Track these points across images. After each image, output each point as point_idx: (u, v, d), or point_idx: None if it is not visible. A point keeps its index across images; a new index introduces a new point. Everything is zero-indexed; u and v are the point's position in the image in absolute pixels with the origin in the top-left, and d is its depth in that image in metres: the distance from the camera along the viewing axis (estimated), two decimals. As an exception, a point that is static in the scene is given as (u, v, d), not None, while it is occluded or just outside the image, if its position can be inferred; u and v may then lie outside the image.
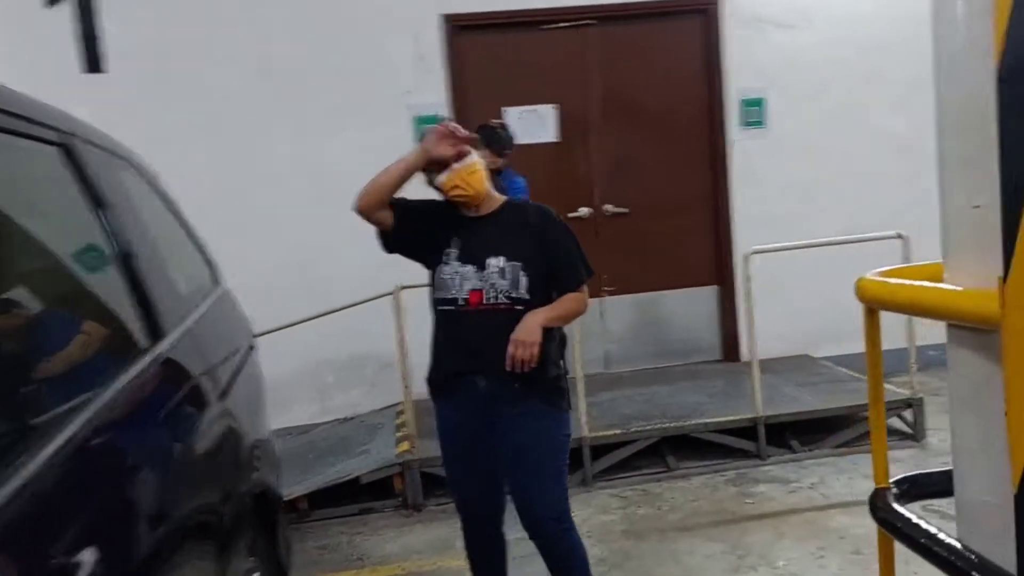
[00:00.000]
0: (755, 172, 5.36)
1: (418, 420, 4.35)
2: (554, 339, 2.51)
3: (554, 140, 5.28)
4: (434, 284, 2.53)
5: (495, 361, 2.40)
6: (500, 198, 2.57)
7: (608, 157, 5.35)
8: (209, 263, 2.76)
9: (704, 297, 5.55)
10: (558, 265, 2.50)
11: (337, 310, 4.11)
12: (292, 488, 3.84)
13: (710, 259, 5.49)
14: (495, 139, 3.96)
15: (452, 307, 2.48)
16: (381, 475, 3.92)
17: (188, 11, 4.86)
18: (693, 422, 4.15)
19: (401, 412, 4.39)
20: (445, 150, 2.42)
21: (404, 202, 2.54)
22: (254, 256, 4.94)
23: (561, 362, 2.57)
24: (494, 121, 4.25)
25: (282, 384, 5.05)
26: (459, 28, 5.10)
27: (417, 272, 5.04)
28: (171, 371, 1.76)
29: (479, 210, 2.52)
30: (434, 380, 2.64)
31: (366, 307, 4.62)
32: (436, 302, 2.54)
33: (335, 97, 4.99)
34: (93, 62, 4.87)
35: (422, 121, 5.09)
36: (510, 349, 2.36)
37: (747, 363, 5.31)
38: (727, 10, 5.26)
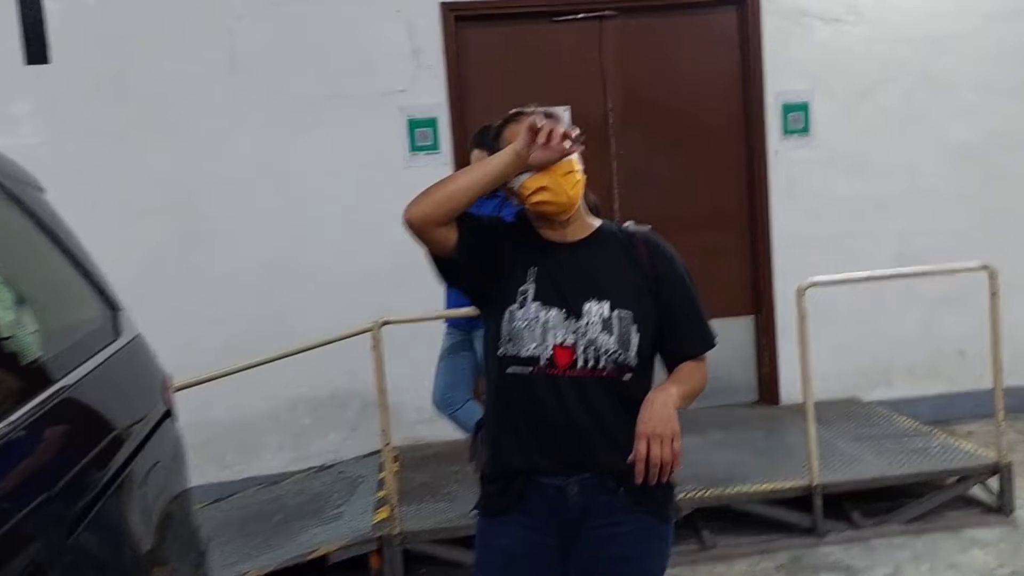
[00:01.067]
0: (798, 187, 4.67)
1: (401, 478, 3.67)
2: None
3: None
4: (499, 334, 1.75)
5: (595, 456, 1.71)
6: (595, 220, 1.84)
7: (628, 167, 4.67)
8: (111, 305, 2.07)
9: (738, 329, 4.85)
10: (679, 322, 1.78)
11: (305, 349, 3.41)
12: (244, 567, 3.15)
13: (745, 285, 4.79)
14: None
15: (529, 369, 1.71)
16: (353, 552, 3.22)
17: (144, -5, 4.21)
18: (734, 490, 3.43)
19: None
20: (548, 156, 1.68)
21: (473, 218, 1.79)
22: (213, 275, 4.29)
23: None
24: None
25: (250, 427, 4.40)
26: (460, 19, 4.43)
27: (404, 302, 4.48)
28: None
29: (568, 233, 1.79)
30: (492, 482, 1.81)
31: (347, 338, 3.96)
32: (502, 361, 1.75)
33: (313, 96, 4.32)
34: (37, 52, 4.23)
35: (416, 125, 4.42)
36: (640, 447, 1.62)
37: (788, 408, 4.66)
38: (765, 2, 4.58)
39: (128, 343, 2.03)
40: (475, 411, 3.22)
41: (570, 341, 1.69)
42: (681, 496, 3.42)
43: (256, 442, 4.41)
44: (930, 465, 3.54)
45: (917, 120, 4.71)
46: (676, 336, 1.78)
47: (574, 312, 1.71)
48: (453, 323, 3.47)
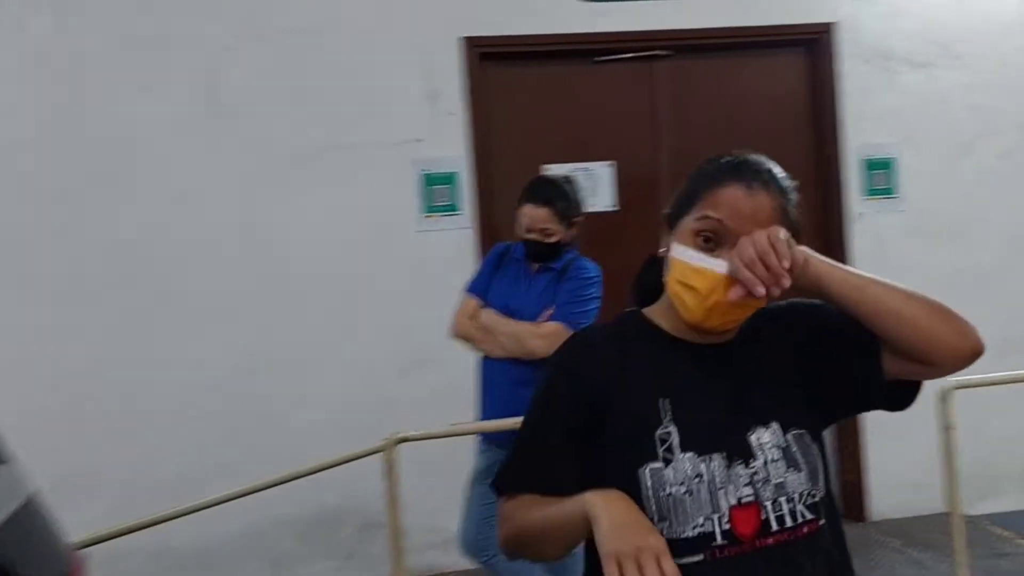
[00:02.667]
0: (884, 255, 3.92)
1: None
2: None
3: (611, 208, 3.87)
4: (641, 503, 1.14)
5: None
6: None
7: (683, 234, 3.92)
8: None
9: (814, 428, 4.05)
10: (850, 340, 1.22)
11: (294, 476, 2.56)
12: None
13: (822, 375, 4.00)
14: (560, 198, 2.54)
15: (699, 557, 1.12)
16: None
17: (105, 20, 3.49)
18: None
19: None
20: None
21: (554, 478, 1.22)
22: (179, 367, 3.49)
23: None
24: (555, 173, 2.82)
25: (220, 552, 3.52)
26: (486, 57, 3.73)
27: (414, 396, 3.58)
28: None
29: (708, 333, 1.23)
30: None
31: (335, 443, 3.16)
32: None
33: (309, 145, 3.58)
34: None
35: (433, 181, 3.68)
36: None
37: (879, 525, 3.88)
38: (843, 41, 3.91)
39: (14, 513, 1.23)
40: (524, 568, 2.40)
41: (748, 496, 1.15)
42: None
43: (228, 571, 3.53)
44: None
45: (1021, 178, 4.01)
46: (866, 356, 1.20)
47: (738, 452, 1.17)
48: (490, 437, 2.64)
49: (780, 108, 3.98)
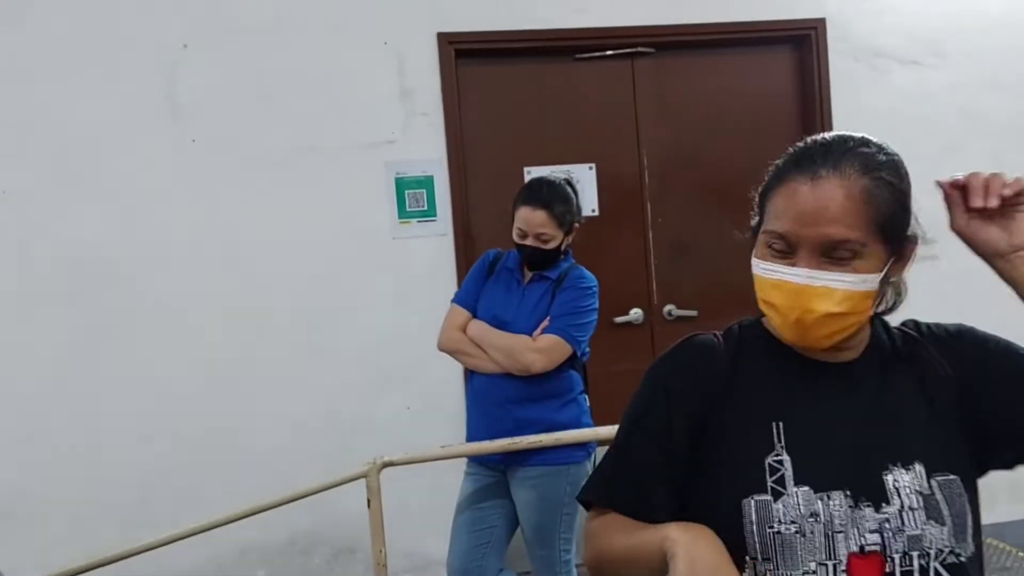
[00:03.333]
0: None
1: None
2: None
3: (592, 213, 3.71)
4: (739, 544, 1.00)
5: None
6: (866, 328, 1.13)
7: (668, 238, 3.78)
8: None
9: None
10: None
11: (267, 507, 2.34)
12: None
13: (813, 383, 3.87)
14: (560, 201, 2.36)
15: None
16: None
17: (58, 15, 3.24)
18: None
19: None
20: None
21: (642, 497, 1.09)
22: (140, 380, 3.26)
23: None
24: (554, 175, 2.63)
25: (184, 583, 3.30)
26: (462, 54, 3.55)
27: (389, 413, 3.37)
28: None
29: (838, 352, 1.08)
30: None
31: (308, 464, 2.96)
32: None
33: (276, 147, 3.36)
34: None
35: (407, 185, 3.49)
36: None
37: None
38: (832, 38, 3.79)
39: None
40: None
41: (874, 544, 0.97)
42: None
43: (192, 604, 3.30)
44: None
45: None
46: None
47: (868, 492, 0.99)
48: (479, 459, 2.45)
49: (767, 107, 3.85)
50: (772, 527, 0.98)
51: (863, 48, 3.81)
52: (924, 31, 3.86)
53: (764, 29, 3.73)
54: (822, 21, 3.75)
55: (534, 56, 3.65)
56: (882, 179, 1.02)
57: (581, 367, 2.44)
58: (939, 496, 0.99)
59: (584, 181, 3.74)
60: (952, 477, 1.00)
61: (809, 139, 1.07)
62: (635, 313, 3.74)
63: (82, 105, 3.23)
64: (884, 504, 0.98)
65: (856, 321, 1.02)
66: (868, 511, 0.98)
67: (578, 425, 2.36)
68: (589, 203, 3.72)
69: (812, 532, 0.98)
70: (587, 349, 2.42)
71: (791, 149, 1.08)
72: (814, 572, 0.97)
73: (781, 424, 1.03)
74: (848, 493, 0.99)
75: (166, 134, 3.28)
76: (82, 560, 2.37)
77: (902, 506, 0.98)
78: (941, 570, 0.97)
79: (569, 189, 2.41)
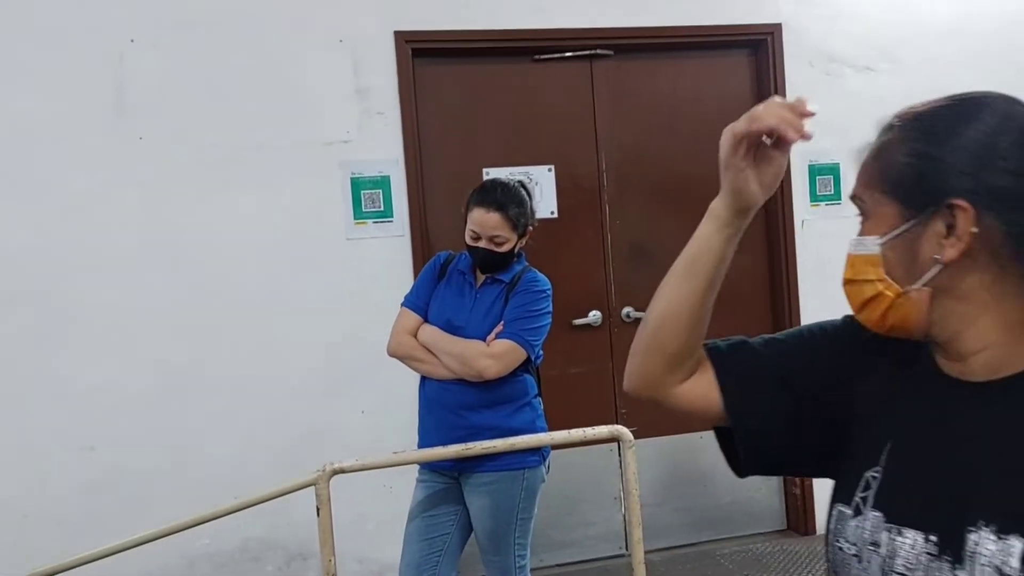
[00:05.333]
0: (831, 262, 3.82)
1: None
2: None
3: (551, 215, 3.69)
4: (827, 541, 0.95)
5: None
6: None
7: (626, 240, 3.77)
8: None
9: (761, 440, 3.95)
10: None
11: (215, 516, 2.27)
12: None
13: (769, 386, 3.89)
14: (515, 203, 2.33)
15: None
16: None
17: (-5, 5, 3.13)
18: None
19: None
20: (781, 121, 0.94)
21: (744, 346, 1.04)
22: (82, 389, 3.16)
23: None
24: (509, 177, 2.60)
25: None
26: (419, 53, 3.50)
27: (342, 418, 3.25)
28: None
29: (974, 364, 0.85)
30: None
31: (259, 472, 2.90)
32: None
33: (227, 146, 3.29)
34: None
35: (363, 185, 3.43)
36: None
37: (824, 537, 3.79)
38: (788, 44, 3.81)
39: None
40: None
41: None
42: None
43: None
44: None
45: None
46: None
47: (951, 544, 0.81)
48: (432, 466, 2.40)
49: (725, 110, 3.81)
50: (838, 542, 0.92)
51: (818, 53, 3.84)
52: (878, 37, 3.91)
53: (721, 33, 3.75)
54: (778, 26, 3.77)
55: (493, 56, 3.62)
56: (902, 136, 0.88)
57: (535, 370, 2.41)
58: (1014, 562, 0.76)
59: (543, 183, 3.72)
60: None
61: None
62: (593, 315, 3.73)
63: (22, 100, 3.13)
64: (959, 567, 0.80)
65: (875, 293, 0.87)
66: (946, 567, 0.81)
67: (533, 429, 2.33)
68: (548, 205, 3.70)
69: (869, 561, 0.88)
70: (541, 352, 2.40)
71: None
72: None
73: (892, 442, 0.91)
74: (931, 538, 0.83)
75: (112, 131, 3.19)
76: (24, 571, 2.28)
77: (981, 566, 0.78)
78: None
79: (524, 192, 2.38)
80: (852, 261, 0.90)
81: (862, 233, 0.89)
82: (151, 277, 3.21)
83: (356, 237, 3.40)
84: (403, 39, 3.45)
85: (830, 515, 0.95)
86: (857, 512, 0.90)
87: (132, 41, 3.21)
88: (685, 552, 3.77)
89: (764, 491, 3.94)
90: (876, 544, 0.87)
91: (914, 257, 0.85)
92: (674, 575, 3.58)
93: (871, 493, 0.89)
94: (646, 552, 3.69)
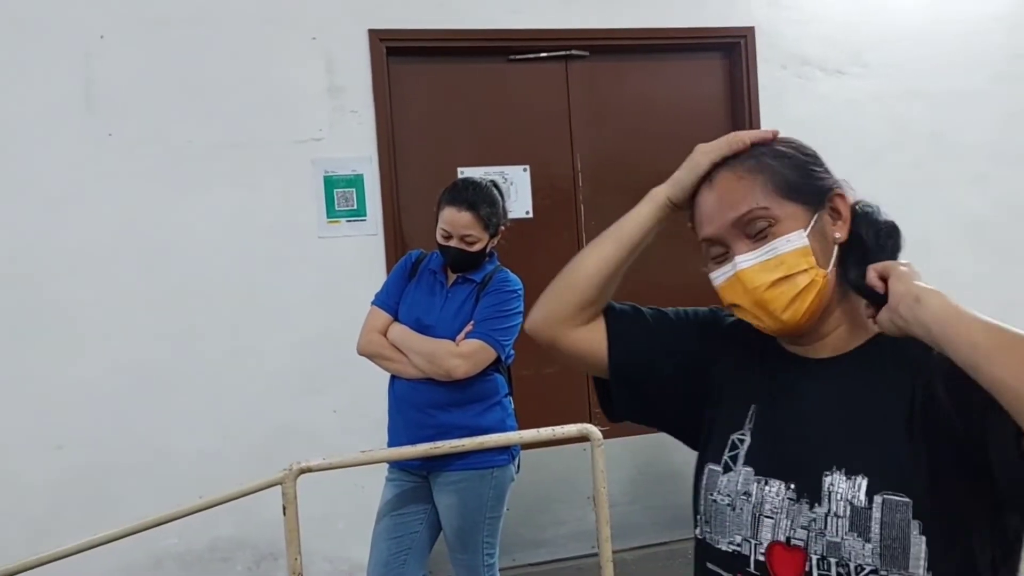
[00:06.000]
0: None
1: None
2: None
3: (526, 215, 3.70)
4: (696, 500, 1.11)
5: None
6: (867, 326, 1.02)
7: (600, 241, 3.78)
8: None
9: (732, 439, 3.98)
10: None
11: (184, 513, 2.26)
12: None
13: (740, 386, 3.92)
14: (487, 202, 2.33)
15: (728, 574, 1.05)
16: None
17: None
18: None
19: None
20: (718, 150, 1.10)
21: (629, 311, 1.21)
22: (53, 384, 3.12)
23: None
24: (482, 177, 2.60)
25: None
26: (393, 52, 3.50)
27: (315, 417, 3.25)
28: None
29: (817, 345, 1.07)
30: None
31: (230, 470, 2.88)
32: (699, 546, 1.10)
33: (199, 143, 3.27)
34: None
35: (336, 184, 3.42)
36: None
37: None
38: (761, 47, 3.85)
39: None
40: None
41: (800, 540, 0.99)
42: None
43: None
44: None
45: (927, 187, 4.03)
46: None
47: (807, 490, 1.00)
48: (400, 465, 2.40)
49: (698, 112, 3.89)
50: (712, 495, 1.07)
51: (790, 57, 3.87)
52: (849, 42, 3.95)
53: (695, 36, 3.77)
54: (751, 30, 3.80)
55: (468, 56, 3.63)
56: (769, 152, 1.06)
57: (506, 370, 2.42)
58: (875, 514, 0.94)
59: (518, 183, 3.73)
60: (900, 499, 0.94)
61: None
62: (566, 315, 3.73)
63: (-8, 95, 3.09)
64: (817, 504, 0.99)
65: (808, 281, 1.01)
66: (805, 508, 0.99)
67: (502, 429, 2.34)
68: (523, 205, 3.71)
69: (742, 510, 1.04)
70: (512, 352, 2.40)
71: None
72: (739, 545, 1.03)
73: (755, 407, 1.08)
74: (791, 486, 1.01)
75: (81, 128, 3.17)
76: (-15, 570, 2.26)
77: (829, 510, 0.98)
78: None
79: (496, 191, 2.38)
80: (783, 259, 1.01)
81: (777, 235, 1.02)
82: (122, 275, 3.19)
83: (329, 236, 3.39)
84: (377, 37, 3.45)
85: (700, 474, 1.10)
86: (727, 469, 1.07)
87: (102, 38, 3.18)
88: (657, 550, 3.79)
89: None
90: (748, 494, 1.04)
91: (826, 242, 1.03)
92: (646, 574, 3.60)
93: (740, 452, 1.06)
94: (618, 551, 3.72)
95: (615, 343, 1.17)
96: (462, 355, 2.24)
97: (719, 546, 1.06)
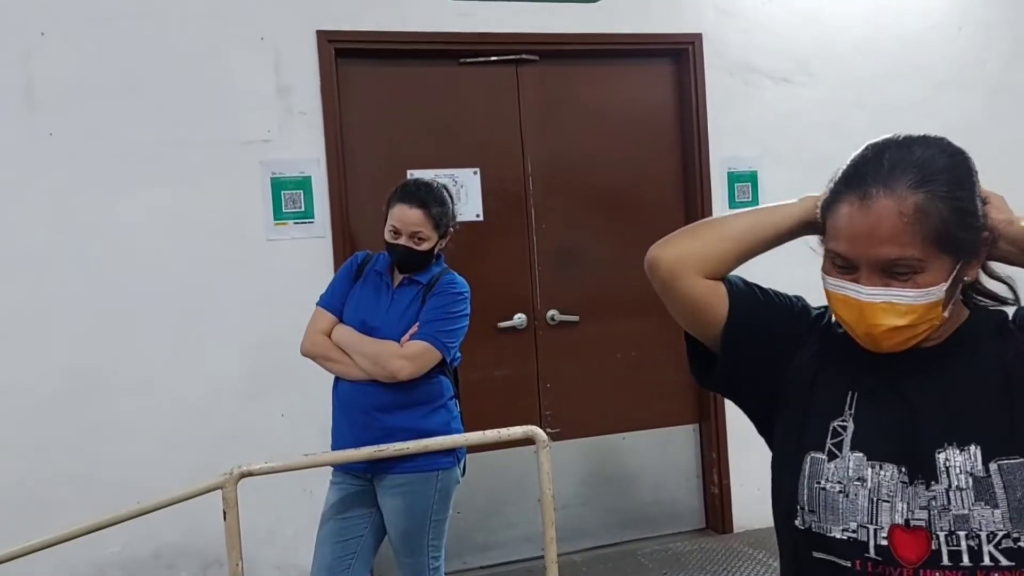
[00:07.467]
0: (748, 269, 3.93)
1: None
2: None
3: (476, 219, 3.70)
4: (792, 491, 1.07)
5: None
6: (963, 309, 1.10)
7: (551, 244, 3.81)
8: None
9: (680, 441, 4.02)
10: None
11: (122, 519, 2.21)
12: None
13: (689, 387, 3.97)
14: (437, 202, 2.33)
15: (847, 564, 1.03)
16: None
17: None
18: None
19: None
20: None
21: (750, 285, 1.20)
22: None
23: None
24: (430, 178, 2.59)
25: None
26: (342, 54, 3.48)
27: (260, 422, 3.20)
28: None
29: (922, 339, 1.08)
30: None
31: (174, 477, 2.83)
32: (802, 537, 1.06)
33: (142, 142, 3.22)
34: None
35: (283, 185, 3.39)
36: None
37: (741, 535, 3.88)
38: (708, 54, 3.90)
39: None
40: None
41: (920, 520, 1.00)
42: None
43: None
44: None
45: (872, 195, 4.11)
46: None
47: (922, 469, 1.02)
48: (345, 468, 2.39)
49: (648, 117, 3.93)
50: (819, 483, 1.05)
51: (737, 64, 3.93)
52: (794, 51, 4.02)
53: (644, 42, 3.81)
54: (699, 36, 3.85)
55: (418, 58, 3.62)
56: (935, 192, 1.00)
57: (452, 373, 2.41)
58: (996, 480, 0.99)
59: (468, 185, 3.73)
60: (1018, 461, 0.99)
61: (865, 146, 1.11)
62: (519, 318, 3.75)
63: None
64: (934, 483, 1.00)
65: (928, 327, 1.03)
66: (921, 488, 1.01)
67: (447, 431, 2.33)
68: (474, 208, 3.71)
69: (856, 495, 1.03)
70: (458, 355, 2.40)
71: (850, 159, 1.11)
72: (854, 532, 1.02)
73: (854, 393, 1.08)
74: (903, 469, 1.02)
75: (21, 126, 3.09)
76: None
77: (949, 485, 1.00)
78: (996, 553, 0.98)
79: (446, 193, 2.38)
80: (914, 309, 1.00)
81: (918, 285, 1.00)
82: (61, 277, 3.12)
83: (276, 238, 3.36)
84: (326, 38, 3.43)
85: (798, 463, 1.08)
86: (832, 456, 1.06)
87: (42, 34, 3.12)
88: (607, 552, 3.82)
89: (685, 491, 4.02)
90: (862, 479, 1.03)
91: (957, 284, 1.04)
92: (595, 575, 3.62)
93: (845, 438, 1.06)
94: (569, 552, 3.75)
95: (737, 303, 1.16)
96: (407, 356, 2.23)
97: (832, 534, 1.04)
